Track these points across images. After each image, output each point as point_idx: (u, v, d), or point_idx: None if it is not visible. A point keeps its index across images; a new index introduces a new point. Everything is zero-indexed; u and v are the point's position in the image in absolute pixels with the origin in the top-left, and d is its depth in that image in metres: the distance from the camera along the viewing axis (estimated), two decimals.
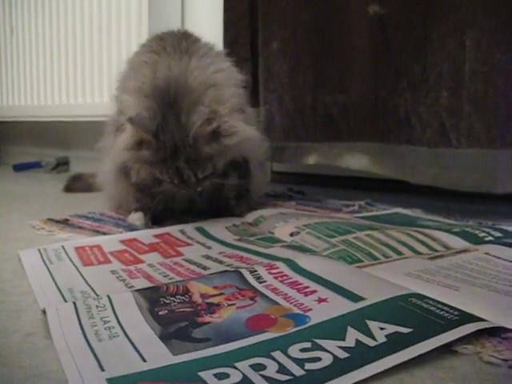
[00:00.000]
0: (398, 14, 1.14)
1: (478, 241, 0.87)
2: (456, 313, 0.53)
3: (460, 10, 1.00)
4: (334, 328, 0.52)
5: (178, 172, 0.94)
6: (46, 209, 1.36)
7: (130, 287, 0.68)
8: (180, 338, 0.52)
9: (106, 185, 1.19)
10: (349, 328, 0.51)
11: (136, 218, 1.11)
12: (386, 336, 0.49)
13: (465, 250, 0.82)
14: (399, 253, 0.82)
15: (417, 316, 0.53)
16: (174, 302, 0.61)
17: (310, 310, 0.57)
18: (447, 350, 0.49)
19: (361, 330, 0.51)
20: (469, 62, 0.98)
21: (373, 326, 0.52)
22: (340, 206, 1.29)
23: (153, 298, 0.62)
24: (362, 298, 0.58)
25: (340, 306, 0.57)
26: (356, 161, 1.37)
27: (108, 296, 0.61)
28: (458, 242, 0.87)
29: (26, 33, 2.32)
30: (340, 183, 1.57)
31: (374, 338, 0.49)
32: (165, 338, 0.52)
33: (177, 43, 1.05)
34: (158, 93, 0.96)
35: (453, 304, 0.56)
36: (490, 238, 0.88)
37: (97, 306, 0.59)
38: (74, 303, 0.60)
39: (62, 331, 0.53)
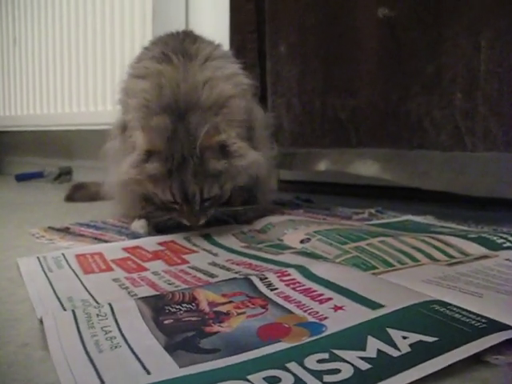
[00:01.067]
0: (409, 16, 1.11)
1: (497, 247, 0.83)
2: (483, 320, 0.50)
3: (474, 9, 0.97)
4: (353, 337, 0.48)
5: (183, 186, 0.91)
6: (47, 217, 1.33)
7: (133, 295, 0.65)
8: (187, 349, 0.48)
9: (111, 193, 1.16)
10: (369, 337, 0.48)
11: (139, 225, 1.07)
12: (410, 345, 0.46)
13: (484, 257, 0.78)
14: (415, 259, 0.78)
15: (441, 324, 0.50)
16: (180, 310, 0.57)
17: (326, 318, 0.53)
18: (476, 360, 0.45)
19: (382, 339, 0.47)
20: (484, 62, 0.95)
21: (395, 334, 0.48)
22: (350, 213, 1.26)
23: (157, 307, 0.58)
24: (380, 306, 0.55)
25: (358, 314, 0.53)
26: (367, 167, 1.34)
27: (109, 304, 0.58)
28: (475, 248, 0.83)
29: (28, 42, 2.31)
30: (349, 191, 1.53)
31: (397, 348, 0.45)
32: (170, 348, 0.48)
33: (180, 47, 1.02)
34: (167, 108, 0.94)
35: (478, 311, 0.52)
36: (509, 244, 0.84)
37: (97, 315, 0.55)
38: (73, 312, 0.56)
39: (60, 341, 0.50)
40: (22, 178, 2.38)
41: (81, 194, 1.59)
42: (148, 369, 0.44)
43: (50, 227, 1.12)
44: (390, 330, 0.49)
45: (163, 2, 1.72)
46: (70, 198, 1.61)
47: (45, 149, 2.56)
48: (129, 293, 0.66)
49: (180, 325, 0.54)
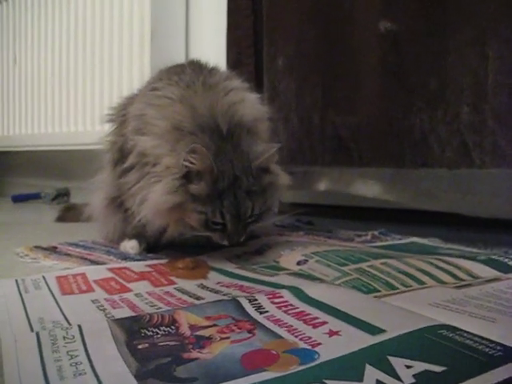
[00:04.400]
0: (412, 28, 1.07)
1: (508, 269, 0.77)
2: (498, 347, 0.44)
3: (480, 18, 0.93)
4: (349, 366, 0.43)
5: (236, 205, 0.84)
6: (36, 237, 1.27)
7: (110, 317, 0.59)
8: (159, 378, 0.42)
9: (96, 215, 1.11)
10: (367, 366, 0.42)
11: (129, 245, 1.02)
12: (414, 376, 0.40)
13: (495, 279, 0.72)
14: (420, 282, 0.73)
15: (450, 351, 0.44)
16: (158, 334, 0.52)
17: (320, 344, 0.48)
18: None
19: (382, 369, 0.41)
20: (492, 73, 0.90)
21: (397, 363, 0.42)
22: (352, 235, 1.20)
23: (132, 329, 0.52)
24: (381, 330, 0.49)
25: (355, 340, 0.48)
26: (368, 188, 1.28)
27: (79, 326, 0.52)
28: (485, 271, 0.77)
29: (28, 62, 2.29)
30: (351, 214, 1.47)
31: (398, 379, 0.40)
32: (141, 376, 0.42)
33: (197, 77, 0.96)
34: (205, 128, 0.87)
35: (491, 337, 0.46)
36: None
37: (64, 338, 0.50)
38: (37, 333, 0.50)
39: (18, 366, 0.44)
40: (18, 199, 2.33)
41: (72, 214, 1.54)
42: None
43: (36, 246, 1.07)
44: (391, 358, 0.43)
45: (162, 21, 1.68)
46: (61, 218, 1.56)
47: (42, 170, 2.52)
48: (106, 315, 0.61)
49: (155, 350, 0.48)
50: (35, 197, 2.32)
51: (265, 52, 1.29)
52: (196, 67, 1.00)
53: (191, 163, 0.83)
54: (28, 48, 2.28)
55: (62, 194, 2.28)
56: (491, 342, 0.45)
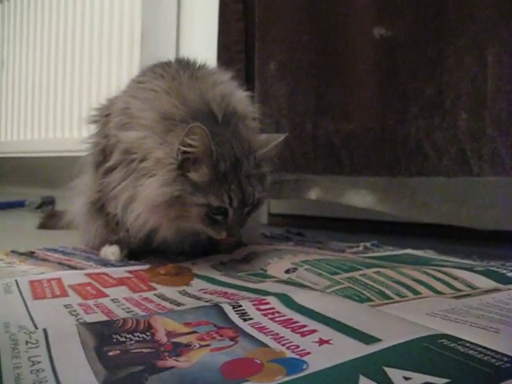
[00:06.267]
0: (407, 34, 1.04)
1: (508, 281, 0.73)
2: (505, 359, 0.40)
3: (479, 23, 0.90)
4: (341, 377, 0.38)
5: (241, 187, 0.80)
6: (17, 243, 1.21)
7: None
8: None
9: (76, 221, 1.07)
10: (361, 377, 0.38)
11: (110, 251, 0.97)
12: None
13: (495, 290, 0.68)
14: (415, 292, 0.68)
15: (453, 362, 0.40)
16: (131, 340, 0.47)
17: (308, 353, 0.43)
18: None
19: (378, 381, 0.37)
20: (491, 79, 0.87)
21: (394, 374, 0.38)
22: (343, 247, 1.16)
23: (103, 335, 0.48)
24: (376, 340, 0.45)
25: (348, 349, 0.43)
26: (361, 198, 1.24)
27: (44, 330, 0.47)
28: (484, 282, 0.73)
29: (16, 67, 2.25)
30: (343, 226, 1.43)
31: None
32: None
33: (183, 69, 0.92)
34: (199, 115, 0.82)
35: (496, 348, 0.42)
36: None
37: (27, 342, 0.45)
38: None
39: None
40: (2, 206, 2.27)
41: (54, 221, 1.49)
42: None
43: (12, 251, 1.02)
44: (387, 369, 0.39)
45: (152, 26, 1.65)
46: (42, 225, 1.51)
47: (28, 177, 2.46)
48: (77, 320, 0.56)
49: (127, 357, 0.43)
50: (20, 204, 2.26)
51: (256, 56, 1.26)
52: (183, 63, 0.96)
53: (190, 146, 0.78)
54: (16, 53, 2.24)
55: (47, 203, 2.22)
56: (497, 353, 0.41)
